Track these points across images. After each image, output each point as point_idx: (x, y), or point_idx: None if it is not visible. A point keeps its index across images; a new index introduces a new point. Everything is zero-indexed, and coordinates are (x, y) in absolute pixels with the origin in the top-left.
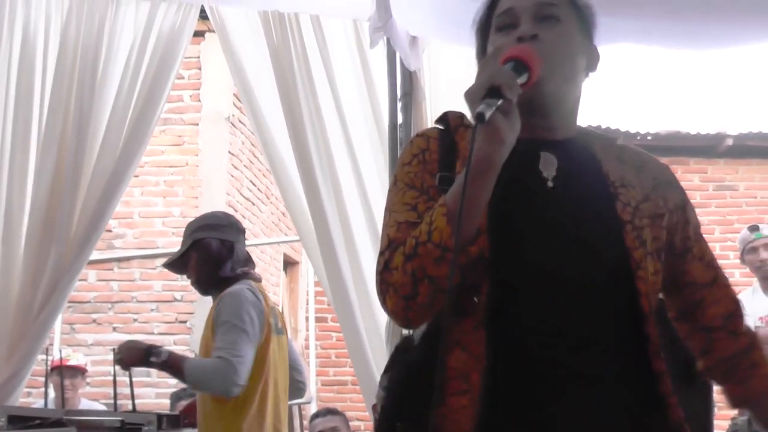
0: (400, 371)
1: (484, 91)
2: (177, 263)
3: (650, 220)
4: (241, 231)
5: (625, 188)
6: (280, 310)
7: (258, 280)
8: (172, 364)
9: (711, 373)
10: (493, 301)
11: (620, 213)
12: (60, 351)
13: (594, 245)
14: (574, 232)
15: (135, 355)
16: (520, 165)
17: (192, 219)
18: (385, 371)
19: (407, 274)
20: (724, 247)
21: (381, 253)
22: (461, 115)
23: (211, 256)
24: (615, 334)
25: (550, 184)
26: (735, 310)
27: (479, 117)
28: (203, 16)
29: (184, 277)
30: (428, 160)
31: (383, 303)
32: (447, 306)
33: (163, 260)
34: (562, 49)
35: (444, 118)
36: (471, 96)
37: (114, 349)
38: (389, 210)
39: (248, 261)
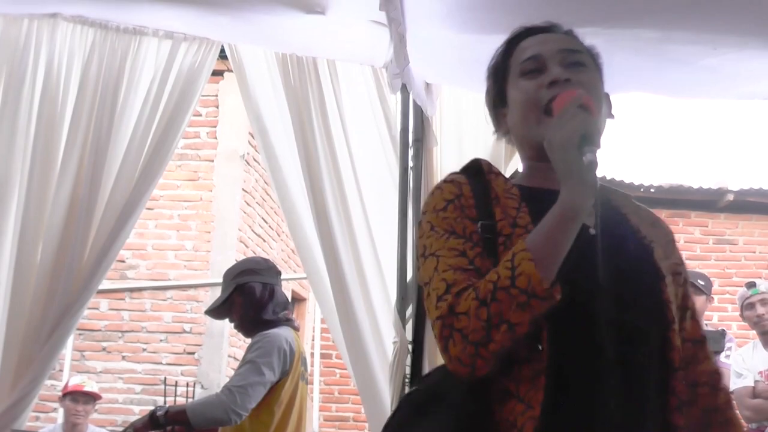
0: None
1: (578, 139)
2: (219, 309)
3: (672, 277)
4: (278, 274)
5: (654, 243)
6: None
7: (296, 328)
8: (176, 417)
9: (689, 423)
10: (556, 349)
11: (659, 266)
12: (69, 377)
13: (636, 296)
14: (619, 280)
15: (144, 423)
16: None
17: (204, 253)
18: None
19: (481, 320)
20: (722, 299)
21: (440, 297)
22: (489, 163)
23: (255, 299)
24: (650, 385)
25: (592, 231)
26: (717, 367)
27: (592, 164)
28: (222, 55)
29: (194, 309)
30: (465, 206)
31: (444, 349)
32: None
33: (174, 292)
34: (595, 95)
35: (476, 165)
36: (563, 142)
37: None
38: (433, 255)
39: (287, 303)
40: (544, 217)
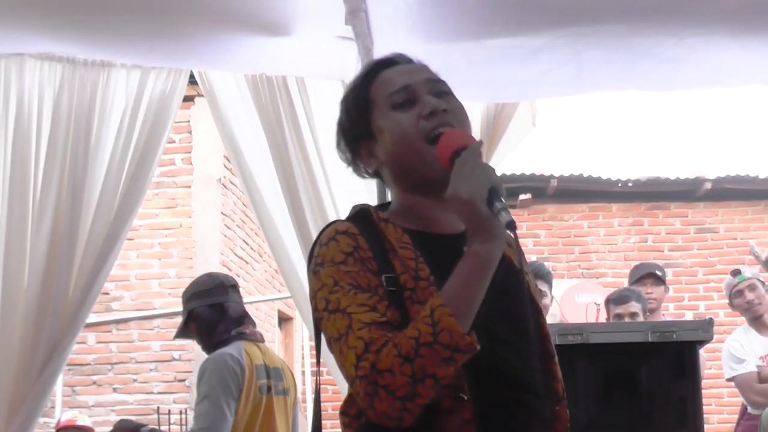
0: None
1: (486, 192)
2: (184, 332)
3: (538, 296)
4: (229, 287)
5: (523, 273)
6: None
7: (257, 339)
8: None
9: None
10: (480, 398)
11: (536, 300)
12: (61, 413)
13: (524, 334)
14: (518, 324)
15: None
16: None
17: (187, 280)
18: None
19: (406, 376)
20: (707, 288)
21: (360, 357)
22: (376, 210)
23: (204, 323)
24: (547, 418)
25: None
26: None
27: (512, 224)
28: (192, 81)
29: None
30: (365, 258)
31: (369, 406)
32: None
33: (160, 321)
34: (467, 124)
35: (365, 213)
36: (471, 194)
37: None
38: (342, 311)
39: (243, 317)
40: (457, 270)
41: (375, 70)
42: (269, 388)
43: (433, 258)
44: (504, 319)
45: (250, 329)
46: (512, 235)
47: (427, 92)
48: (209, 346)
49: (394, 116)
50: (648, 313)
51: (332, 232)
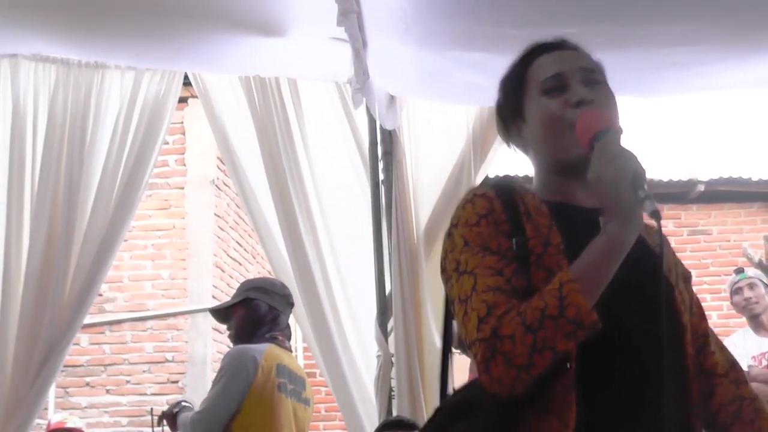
0: None
1: (630, 177)
2: (222, 312)
3: (684, 281)
4: (290, 305)
5: (659, 249)
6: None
7: (285, 347)
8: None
9: (716, 418)
10: (585, 365)
11: (668, 276)
12: (54, 414)
13: (657, 309)
14: (641, 295)
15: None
16: (595, 232)
17: (180, 281)
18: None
19: (526, 345)
20: (700, 290)
21: (482, 320)
22: (519, 182)
23: (256, 317)
24: (672, 394)
25: None
26: (735, 362)
27: (656, 214)
28: (186, 82)
29: (175, 337)
30: (498, 221)
31: (485, 370)
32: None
33: (153, 322)
34: (615, 114)
35: (506, 182)
36: (616, 178)
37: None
38: (469, 273)
39: (285, 329)
40: (589, 248)
41: (535, 53)
42: (292, 393)
43: (569, 228)
44: (627, 296)
45: (282, 337)
46: (656, 224)
47: (578, 81)
48: (241, 338)
49: (543, 102)
50: None
51: (470, 194)
